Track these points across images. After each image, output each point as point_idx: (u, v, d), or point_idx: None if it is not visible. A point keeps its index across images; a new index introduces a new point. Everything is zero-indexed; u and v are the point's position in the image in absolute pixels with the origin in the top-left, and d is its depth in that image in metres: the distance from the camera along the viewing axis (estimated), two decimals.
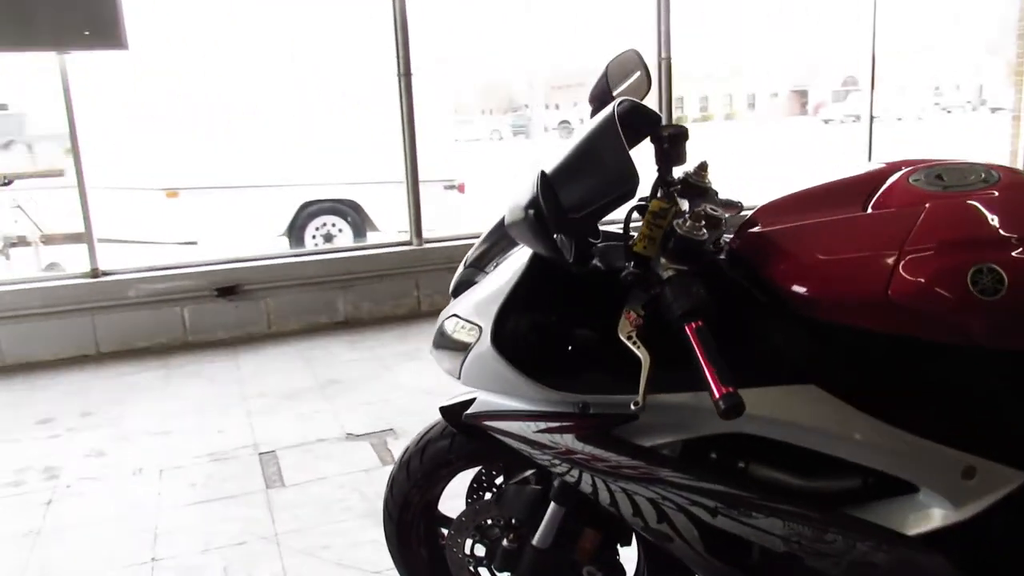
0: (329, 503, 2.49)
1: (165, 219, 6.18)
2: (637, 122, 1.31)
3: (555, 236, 1.06)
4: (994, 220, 1.09)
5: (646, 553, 1.52)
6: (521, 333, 1.21)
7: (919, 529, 1.15)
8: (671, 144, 1.34)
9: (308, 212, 6.40)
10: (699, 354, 1.03)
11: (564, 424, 1.23)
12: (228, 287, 4.30)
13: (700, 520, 1.22)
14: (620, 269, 1.16)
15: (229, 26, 6.45)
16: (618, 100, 1.28)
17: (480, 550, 1.60)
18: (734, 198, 1.44)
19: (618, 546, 1.54)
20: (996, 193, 1.11)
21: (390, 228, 6.35)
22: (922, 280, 1.05)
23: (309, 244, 6.37)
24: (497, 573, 1.59)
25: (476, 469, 1.62)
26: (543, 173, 1.10)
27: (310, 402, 3.38)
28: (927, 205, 1.12)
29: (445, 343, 1.35)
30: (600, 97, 1.45)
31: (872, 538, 1.16)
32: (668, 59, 5.17)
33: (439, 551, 1.66)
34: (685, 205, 1.30)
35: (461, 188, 6.91)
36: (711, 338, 1.04)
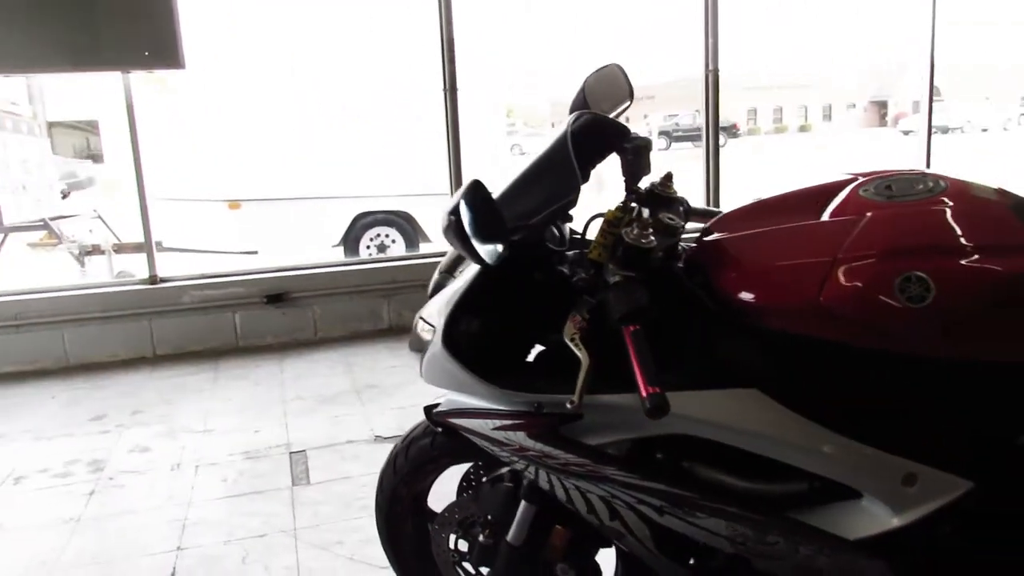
0: (350, 501, 2.58)
1: (228, 230, 6.45)
2: (599, 135, 1.36)
3: (478, 240, 1.12)
4: (927, 230, 1.10)
5: (621, 553, 1.56)
6: (472, 334, 1.27)
7: (861, 534, 1.16)
8: (635, 156, 1.38)
9: (363, 223, 6.59)
10: (632, 356, 1.07)
11: (516, 422, 1.28)
12: (277, 295, 4.48)
13: (649, 519, 1.25)
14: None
15: (288, 45, 6.71)
16: (576, 114, 1.33)
17: (463, 545, 1.66)
18: (714, 207, 1.48)
19: (599, 547, 1.58)
20: (936, 203, 1.12)
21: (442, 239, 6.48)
22: (852, 287, 1.07)
23: (363, 254, 6.55)
24: (477, 568, 1.65)
25: (469, 465, 1.68)
26: (475, 182, 1.16)
27: (345, 405, 3.49)
28: (868, 215, 1.13)
29: (414, 343, 1.42)
30: (578, 110, 1.51)
31: (814, 542, 1.17)
32: (716, 71, 5.14)
33: (427, 545, 1.73)
34: (646, 214, 1.35)
35: None
36: (645, 341, 1.08)
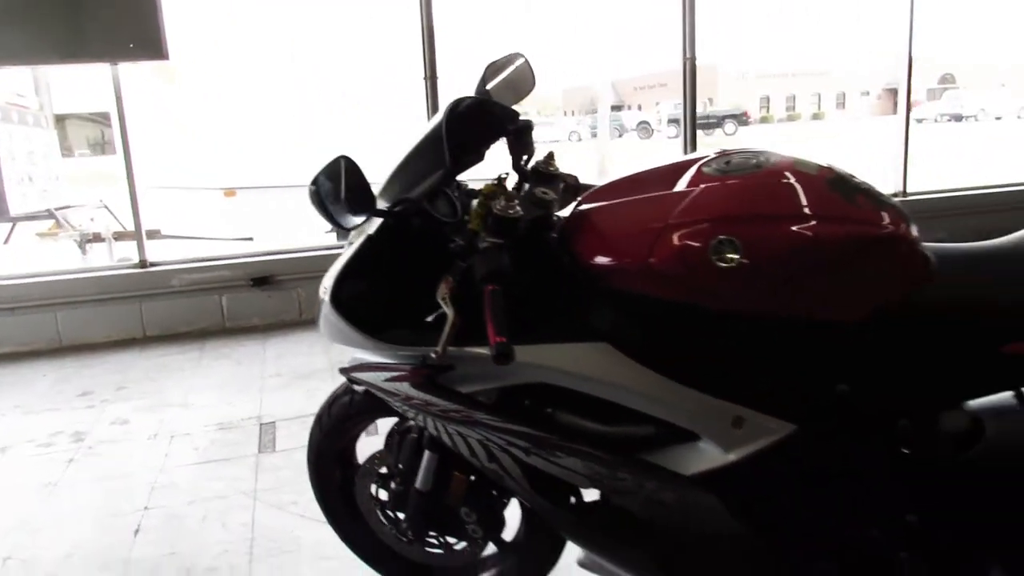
0: None
1: (224, 216, 6.64)
2: (485, 118, 1.51)
3: (344, 209, 1.26)
4: (742, 200, 1.23)
5: (523, 505, 1.71)
6: (357, 293, 1.42)
7: (696, 471, 1.30)
8: (518, 137, 1.53)
9: None
10: (486, 310, 1.22)
11: (401, 374, 1.43)
12: (262, 278, 4.64)
13: (520, 460, 1.40)
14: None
15: (286, 35, 6.87)
16: (457, 99, 1.47)
17: (383, 494, 1.82)
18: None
19: (501, 496, 1.73)
20: (756, 178, 1.26)
21: None
22: (673, 249, 1.21)
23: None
24: (395, 514, 1.80)
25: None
26: (340, 158, 1.31)
27: (320, 381, 3.65)
28: (700, 187, 1.27)
29: (316, 307, 1.57)
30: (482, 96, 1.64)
31: (656, 478, 1.32)
32: (692, 59, 5.25)
33: (354, 496, 1.89)
34: (526, 188, 1.49)
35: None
36: (501, 299, 1.23)
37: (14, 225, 9.87)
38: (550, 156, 1.54)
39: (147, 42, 3.97)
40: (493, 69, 1.64)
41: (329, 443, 1.83)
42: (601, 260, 1.30)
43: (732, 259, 1.18)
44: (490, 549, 1.86)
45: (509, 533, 1.81)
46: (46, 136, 10.29)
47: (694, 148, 5.39)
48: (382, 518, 1.83)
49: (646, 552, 1.44)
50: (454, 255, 1.34)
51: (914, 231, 1.25)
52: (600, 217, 1.36)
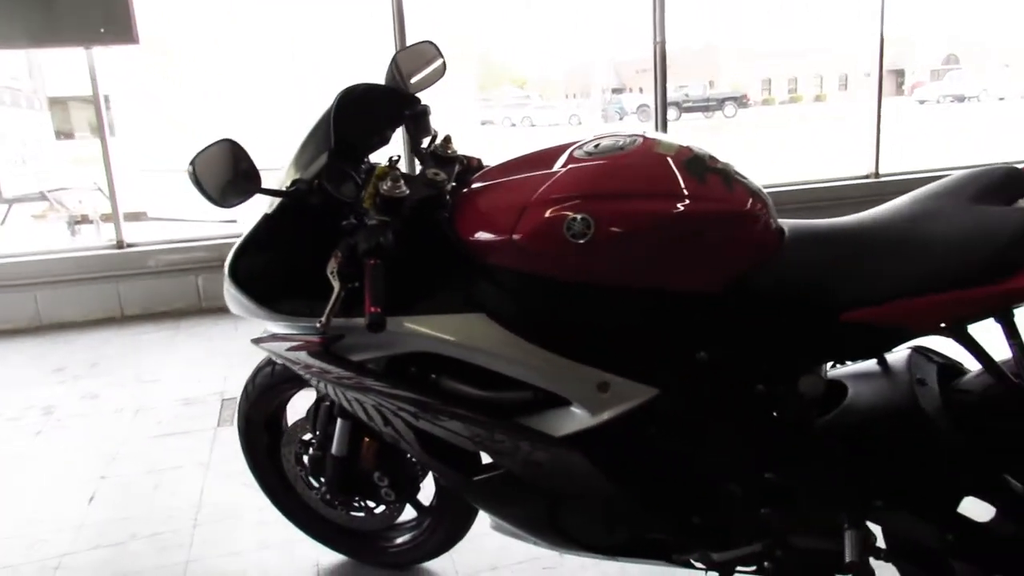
0: None
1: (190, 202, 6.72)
2: (383, 103, 1.59)
3: (223, 190, 1.35)
4: (596, 180, 1.32)
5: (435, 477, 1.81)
6: (253, 267, 1.51)
7: (564, 432, 1.40)
8: (415, 121, 1.62)
9: None
10: (366, 283, 1.31)
11: (299, 343, 1.53)
12: None
13: (410, 424, 1.50)
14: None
15: (287, 30, 6.94)
16: (350, 86, 1.55)
17: (306, 461, 1.92)
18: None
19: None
20: (615, 159, 1.35)
21: None
22: (533, 226, 1.30)
23: None
24: (316, 479, 1.91)
25: None
26: (223, 141, 1.39)
27: None
28: (564, 168, 1.36)
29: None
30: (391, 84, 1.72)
31: (529, 440, 1.41)
32: (662, 43, 5.31)
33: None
34: (419, 169, 1.58)
35: None
36: (380, 272, 1.32)
37: (10, 207, 9.99)
38: (447, 139, 1.63)
39: (117, 27, 4.05)
40: (402, 57, 1.72)
41: (256, 412, 1.94)
42: (477, 236, 1.39)
43: (585, 235, 1.27)
44: (410, 513, 1.97)
45: (427, 497, 1.92)
46: (39, 118, 10.39)
47: (664, 132, 5.46)
48: (307, 484, 1.93)
49: (532, 510, 1.54)
50: (345, 232, 1.43)
51: (764, 208, 1.34)
52: (479, 197, 1.45)
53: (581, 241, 1.27)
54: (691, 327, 1.35)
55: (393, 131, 1.66)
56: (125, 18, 4.05)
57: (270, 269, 1.51)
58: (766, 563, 1.48)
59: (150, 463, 2.73)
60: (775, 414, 1.40)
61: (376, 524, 1.95)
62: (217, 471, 2.63)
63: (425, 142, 1.64)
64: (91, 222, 7.04)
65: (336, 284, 1.37)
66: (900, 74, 40.25)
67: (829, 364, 1.46)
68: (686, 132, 19.95)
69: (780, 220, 1.45)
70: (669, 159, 1.34)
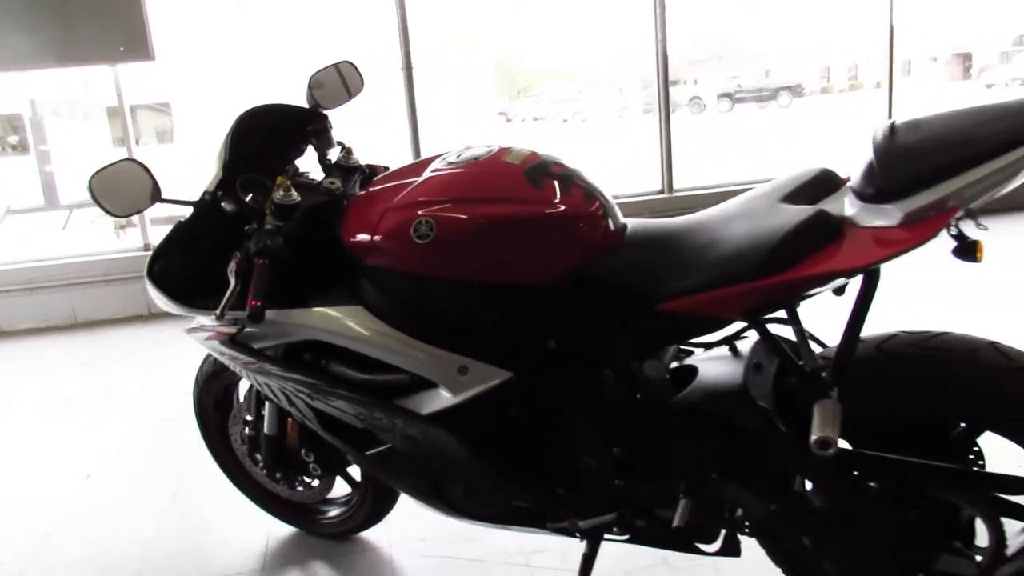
0: None
1: None
2: (287, 121, 1.79)
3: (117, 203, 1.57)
4: (442, 187, 1.50)
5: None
6: (170, 267, 1.71)
7: (430, 410, 1.57)
8: (317, 136, 1.81)
9: None
10: (252, 280, 1.51)
11: (212, 334, 1.75)
12: None
13: (308, 404, 1.70)
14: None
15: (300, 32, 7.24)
16: (252, 107, 1.75)
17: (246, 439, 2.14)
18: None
19: None
20: (464, 168, 1.52)
21: None
22: (388, 228, 1.48)
23: None
24: (255, 457, 2.12)
25: None
26: (130, 159, 1.60)
27: None
28: (422, 177, 1.54)
29: None
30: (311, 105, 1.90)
31: (401, 417, 1.59)
32: (663, 41, 5.42)
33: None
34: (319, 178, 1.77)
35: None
36: (266, 271, 1.52)
37: (70, 212, 10.61)
38: (348, 151, 1.82)
39: (136, 45, 4.37)
40: (317, 78, 1.91)
41: (206, 396, 2.17)
42: (354, 238, 1.57)
43: (428, 236, 1.45)
44: (346, 488, 2.18)
45: (358, 472, 2.12)
46: (96, 128, 10.99)
47: (668, 129, 5.56)
48: (252, 460, 2.15)
49: (418, 481, 1.73)
50: (246, 236, 1.63)
51: (600, 209, 1.50)
52: (359, 203, 1.63)
53: (425, 241, 1.45)
54: (536, 317, 1.51)
55: (303, 144, 1.85)
56: (142, 37, 4.37)
57: (185, 269, 1.72)
58: (627, 531, 1.63)
59: (149, 445, 3.00)
60: (624, 395, 1.55)
61: (313, 497, 2.15)
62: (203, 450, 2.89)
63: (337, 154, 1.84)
64: (135, 226, 7.47)
65: (232, 280, 1.57)
66: (967, 57, 38.87)
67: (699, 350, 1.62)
68: (736, 124, 19.74)
69: (628, 219, 1.60)
70: (512, 167, 1.51)
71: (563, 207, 1.48)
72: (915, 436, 1.41)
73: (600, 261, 1.48)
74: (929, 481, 1.40)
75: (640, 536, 1.64)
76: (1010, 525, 1.40)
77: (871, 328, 1.36)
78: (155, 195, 1.57)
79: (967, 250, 1.28)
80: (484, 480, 1.64)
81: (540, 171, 1.51)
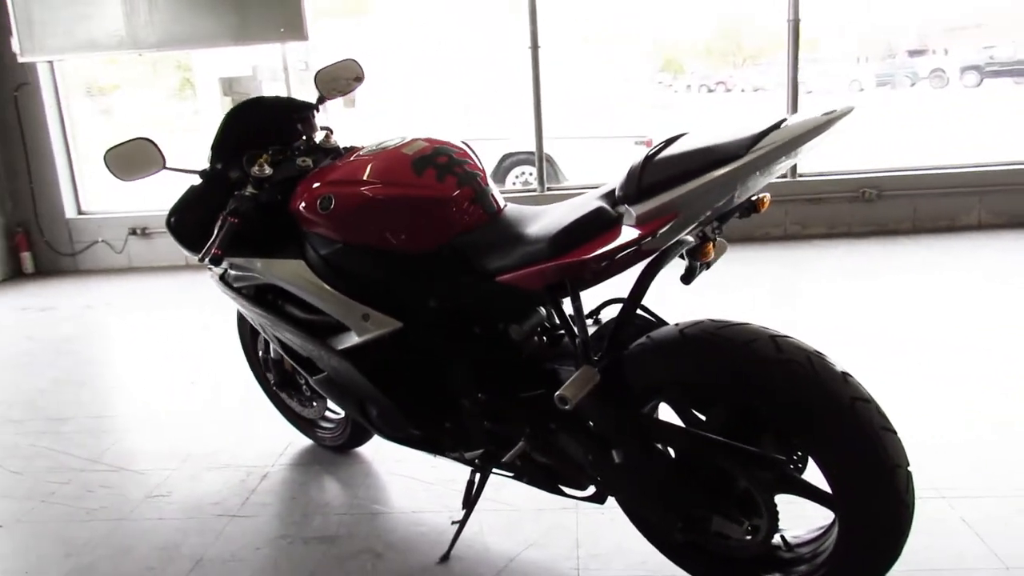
0: None
1: None
2: (279, 110, 2.23)
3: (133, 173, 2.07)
4: (344, 170, 1.88)
5: None
6: (183, 220, 2.21)
7: (342, 347, 1.98)
8: (302, 122, 2.24)
9: (510, 162, 7.57)
10: (220, 234, 1.99)
11: (212, 275, 2.26)
12: None
13: (273, 334, 2.17)
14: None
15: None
16: (250, 98, 2.21)
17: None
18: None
19: None
20: (371, 156, 1.89)
21: (578, 178, 7.31)
22: (304, 200, 1.89)
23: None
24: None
25: None
26: (143, 138, 2.10)
27: None
28: (346, 159, 1.93)
29: None
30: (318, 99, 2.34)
31: (325, 350, 2.01)
32: (796, 21, 5.31)
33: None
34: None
35: (648, 144, 7.53)
36: (233, 228, 1.99)
37: None
38: (327, 135, 2.23)
39: (293, 27, 5.07)
40: (321, 73, 2.34)
41: (242, 326, 2.71)
42: (295, 206, 1.99)
43: (328, 208, 1.84)
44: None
45: None
46: (301, 92, 12.29)
47: (795, 110, 5.46)
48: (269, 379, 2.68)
49: (351, 404, 2.15)
50: (233, 199, 2.11)
51: (471, 194, 1.82)
52: (307, 178, 2.03)
53: (326, 212, 1.85)
54: (417, 279, 1.87)
55: (297, 128, 2.27)
56: (299, 20, 5.06)
57: (194, 223, 2.23)
58: (509, 468, 1.95)
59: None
60: (492, 352, 1.88)
61: (315, 414, 2.65)
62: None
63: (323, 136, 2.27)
64: None
65: (215, 232, 2.05)
66: None
67: None
68: (967, 101, 17.93)
69: (510, 205, 1.90)
70: (404, 156, 1.86)
71: (433, 192, 1.81)
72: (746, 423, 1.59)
73: (463, 238, 1.81)
74: (717, 455, 1.60)
75: (519, 475, 1.94)
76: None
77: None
78: (161, 164, 2.07)
79: (687, 274, 1.56)
80: (387, 408, 2.03)
81: (426, 161, 1.86)
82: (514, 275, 1.64)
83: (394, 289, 1.91)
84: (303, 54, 13.11)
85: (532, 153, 7.62)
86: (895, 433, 1.45)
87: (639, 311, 1.74)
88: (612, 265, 1.52)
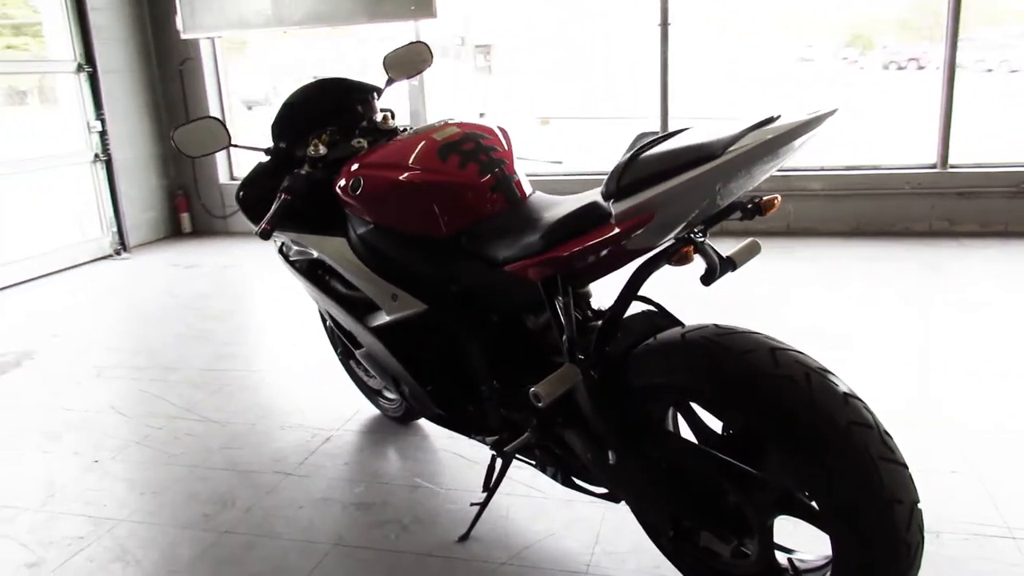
0: None
1: (538, 142, 7.83)
2: (345, 91, 2.31)
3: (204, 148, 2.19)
4: (376, 154, 1.91)
5: None
6: (249, 196, 2.34)
7: (374, 324, 2.05)
8: (363, 104, 2.31)
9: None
10: (272, 210, 2.11)
11: (276, 246, 2.38)
12: None
13: (322, 307, 2.28)
14: None
15: None
16: (325, 77, 2.30)
17: None
18: None
19: None
20: (405, 139, 1.92)
21: None
22: (343, 181, 1.96)
23: None
24: None
25: None
26: (211, 117, 2.23)
27: None
28: (383, 144, 1.98)
29: None
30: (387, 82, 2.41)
31: (360, 326, 2.09)
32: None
33: None
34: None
35: None
36: (285, 204, 2.10)
37: None
38: (385, 117, 2.29)
39: (423, 5, 5.20)
40: (390, 56, 2.40)
41: None
42: (336, 186, 2.06)
43: (358, 190, 1.90)
44: None
45: None
46: (463, 65, 12.62)
47: (951, 90, 4.98)
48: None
49: (388, 378, 2.22)
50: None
51: (491, 182, 1.81)
52: (351, 160, 2.10)
53: (357, 193, 1.91)
54: (440, 264, 1.89)
55: (357, 107, 2.33)
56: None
57: (260, 197, 2.36)
58: (532, 458, 1.95)
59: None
60: (501, 338, 1.88)
61: (379, 384, 2.75)
62: None
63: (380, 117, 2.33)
64: None
65: (274, 207, 2.17)
66: None
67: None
68: None
69: (538, 193, 1.89)
70: (433, 142, 1.88)
71: (454, 178, 1.83)
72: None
73: (481, 225, 1.82)
74: (708, 469, 1.53)
75: (540, 464, 1.95)
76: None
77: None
78: (227, 141, 2.20)
79: (707, 275, 1.50)
80: (414, 388, 2.08)
81: (453, 147, 1.87)
82: (515, 266, 1.63)
83: (419, 272, 1.95)
84: (460, 30, 13.53)
85: (669, 134, 7.47)
86: (901, 465, 1.32)
87: (655, 310, 1.69)
88: (599, 263, 1.48)
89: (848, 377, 1.42)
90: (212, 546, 2.13)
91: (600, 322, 1.68)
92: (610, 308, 1.61)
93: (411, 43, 2.45)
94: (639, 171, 1.37)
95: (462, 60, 12.67)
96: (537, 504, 2.22)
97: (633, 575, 1.91)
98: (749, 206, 1.48)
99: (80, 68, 5.60)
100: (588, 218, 1.49)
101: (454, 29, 12.53)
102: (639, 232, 1.37)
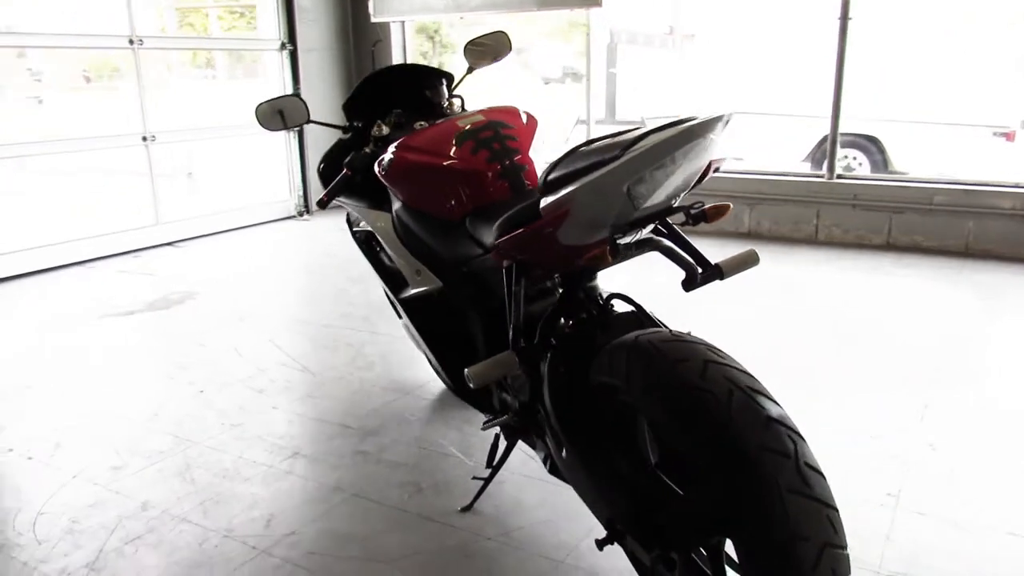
0: None
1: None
2: (420, 76, 2.44)
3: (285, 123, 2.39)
4: (415, 137, 2.02)
5: None
6: (328, 171, 2.53)
7: (404, 295, 2.18)
8: (432, 89, 2.43)
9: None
10: (333, 183, 2.30)
11: (346, 216, 2.58)
12: None
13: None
14: None
15: None
16: (395, 64, 2.45)
17: None
18: None
19: None
20: (436, 125, 2.02)
21: (911, 167, 6.50)
22: (379, 166, 2.09)
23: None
24: None
25: None
26: (295, 95, 2.44)
27: None
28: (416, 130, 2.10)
29: None
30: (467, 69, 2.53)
31: (394, 294, 2.23)
32: None
33: None
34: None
35: (1010, 136, 6.35)
36: (346, 178, 2.28)
37: (575, 124, 12.33)
38: (451, 103, 2.40)
39: None
40: (470, 44, 2.51)
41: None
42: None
43: (387, 170, 2.03)
44: None
45: None
46: (668, 55, 12.41)
47: None
48: None
49: (419, 346, 2.35)
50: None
51: (498, 169, 1.87)
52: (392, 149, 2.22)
53: (385, 172, 2.04)
54: (453, 244, 1.98)
55: (429, 92, 2.45)
56: None
57: (333, 171, 2.55)
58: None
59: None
60: (502, 320, 1.94)
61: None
62: None
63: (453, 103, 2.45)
64: None
65: (336, 178, 2.36)
66: None
67: None
68: None
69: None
70: (455, 128, 1.97)
71: (461, 164, 1.91)
72: None
73: (486, 210, 1.88)
74: (638, 480, 1.52)
75: (536, 450, 1.99)
76: None
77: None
78: (307, 118, 2.40)
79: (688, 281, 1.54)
80: (431, 359, 2.20)
81: (471, 134, 1.95)
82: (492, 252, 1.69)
83: (437, 251, 2.06)
84: (669, 19, 13.29)
85: (859, 135, 6.93)
86: (817, 501, 1.22)
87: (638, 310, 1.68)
88: (547, 256, 1.51)
89: None
90: (257, 477, 2.39)
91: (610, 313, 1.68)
92: (555, 302, 1.62)
93: (493, 32, 2.53)
94: (563, 168, 1.38)
95: (668, 49, 12.49)
96: (550, 490, 2.26)
97: (612, 565, 1.91)
98: (692, 211, 1.44)
99: (283, 46, 6.22)
100: (532, 211, 1.51)
101: (663, 19, 12.37)
102: (563, 227, 1.38)
